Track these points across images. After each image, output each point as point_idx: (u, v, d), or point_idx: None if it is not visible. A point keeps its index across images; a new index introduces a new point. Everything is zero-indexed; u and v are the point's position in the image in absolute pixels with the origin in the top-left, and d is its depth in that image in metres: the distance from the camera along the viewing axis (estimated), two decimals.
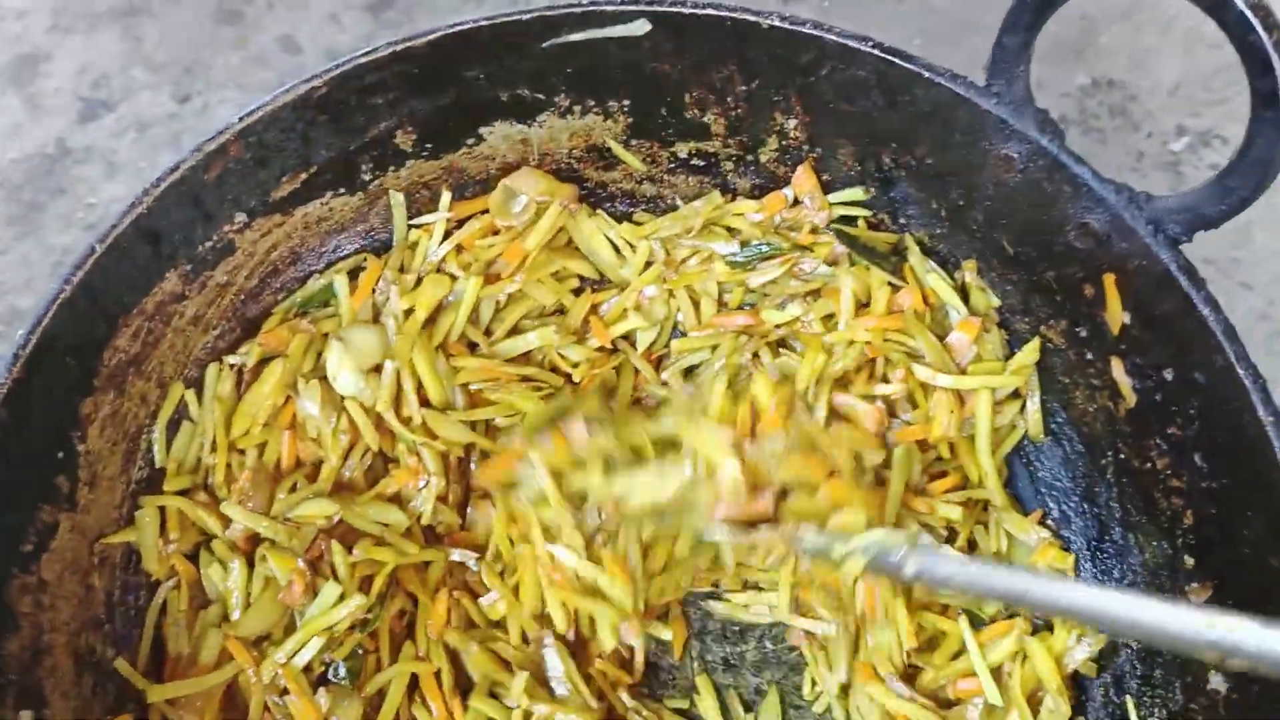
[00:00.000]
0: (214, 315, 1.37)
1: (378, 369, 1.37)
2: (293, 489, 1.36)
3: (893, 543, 1.14)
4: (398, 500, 1.39)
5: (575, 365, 1.46)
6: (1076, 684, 1.35)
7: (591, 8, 1.27)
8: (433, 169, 1.43)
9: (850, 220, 1.44)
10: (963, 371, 1.39)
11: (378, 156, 1.39)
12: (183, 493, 1.35)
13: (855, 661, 1.36)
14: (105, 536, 1.30)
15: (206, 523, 1.33)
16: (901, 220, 1.43)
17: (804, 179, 1.43)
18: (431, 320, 1.41)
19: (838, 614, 1.37)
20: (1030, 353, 1.37)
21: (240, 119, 1.25)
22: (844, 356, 1.40)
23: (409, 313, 1.39)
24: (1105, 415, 1.32)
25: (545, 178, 1.44)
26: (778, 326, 1.45)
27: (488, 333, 1.45)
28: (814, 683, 1.39)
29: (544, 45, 1.31)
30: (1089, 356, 1.31)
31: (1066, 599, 0.98)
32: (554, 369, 1.45)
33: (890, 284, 1.41)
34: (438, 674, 1.33)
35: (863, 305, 1.43)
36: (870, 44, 1.24)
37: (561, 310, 1.48)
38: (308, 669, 1.29)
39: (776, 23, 1.25)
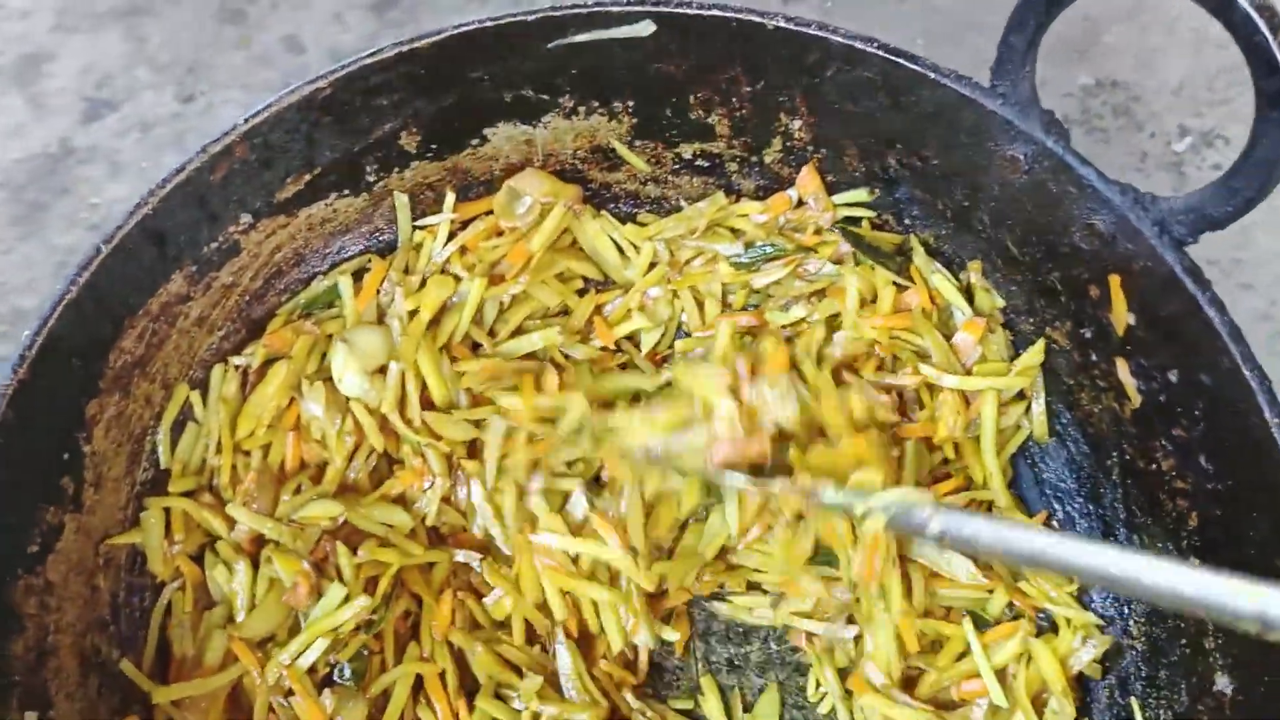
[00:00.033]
0: (219, 316, 1.37)
1: (382, 370, 1.37)
2: (297, 490, 1.36)
3: (917, 500, 1.13)
4: (402, 501, 1.39)
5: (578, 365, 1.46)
6: (1081, 685, 1.35)
7: (596, 8, 1.27)
8: (437, 170, 1.43)
9: (855, 221, 1.45)
10: (968, 372, 1.39)
11: (382, 157, 1.39)
12: (188, 494, 1.35)
13: (852, 675, 1.36)
14: (110, 538, 1.30)
15: (211, 524, 1.33)
16: (906, 221, 1.43)
17: (808, 180, 1.43)
18: (436, 321, 1.41)
19: (836, 617, 1.38)
20: (1035, 354, 1.37)
21: (245, 120, 1.25)
22: (846, 341, 1.41)
23: (413, 314, 1.40)
24: (1110, 416, 1.32)
25: (549, 179, 1.44)
26: (783, 327, 1.45)
27: (492, 334, 1.45)
28: (818, 684, 1.39)
29: (549, 46, 1.31)
30: (1094, 357, 1.31)
31: (1096, 562, 0.95)
32: (558, 368, 1.45)
33: (895, 284, 1.41)
34: (442, 675, 1.33)
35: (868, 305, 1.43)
36: (875, 45, 1.24)
37: (566, 311, 1.48)
38: (312, 670, 1.29)
39: (781, 24, 1.25)
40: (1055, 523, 1.40)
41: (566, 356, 1.45)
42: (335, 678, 1.30)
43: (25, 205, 1.85)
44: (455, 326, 1.41)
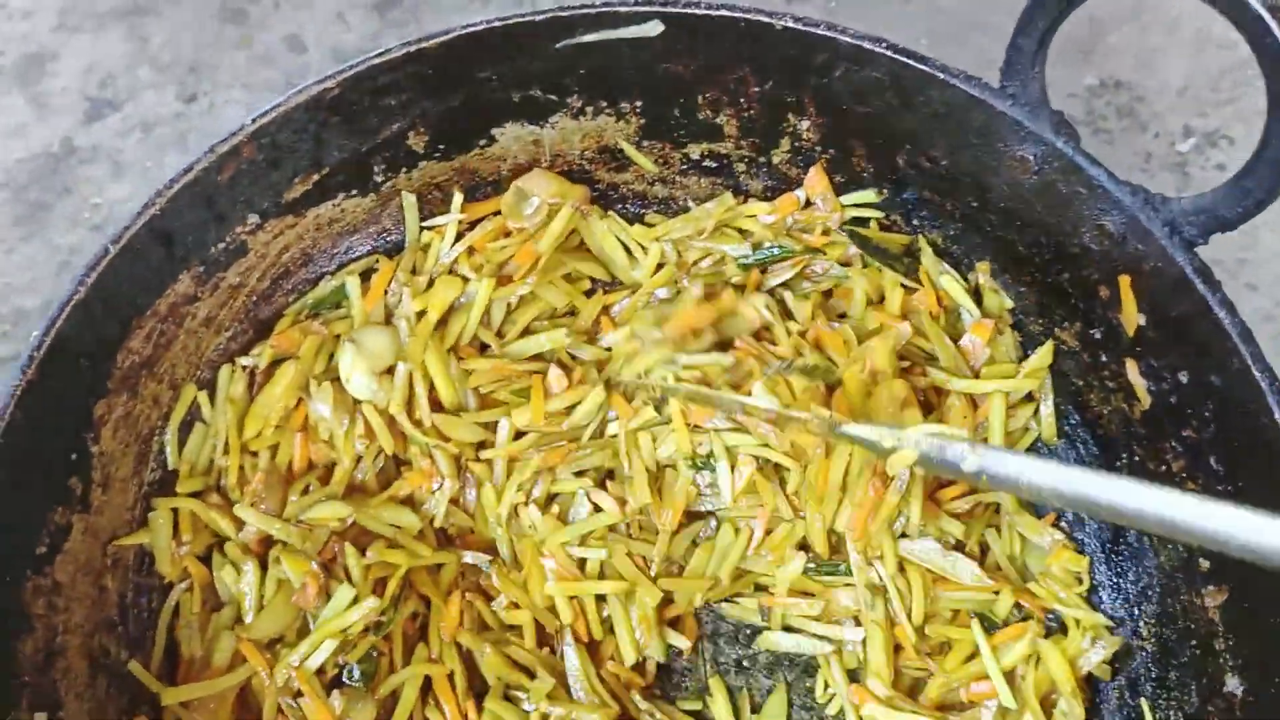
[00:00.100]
0: (226, 317, 1.37)
1: (390, 371, 1.37)
2: (305, 491, 1.35)
3: (951, 436, 1.12)
4: (410, 503, 1.39)
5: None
6: (1091, 686, 1.35)
7: (605, 9, 1.27)
8: (444, 170, 1.43)
9: (863, 222, 1.44)
10: (976, 374, 1.39)
11: (390, 158, 1.39)
12: (195, 495, 1.35)
13: (854, 686, 1.36)
14: (118, 538, 1.30)
15: (219, 525, 1.33)
16: (914, 222, 1.43)
17: (816, 180, 1.43)
18: (443, 322, 1.40)
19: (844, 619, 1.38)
20: (1044, 356, 1.37)
21: (253, 120, 1.25)
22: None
23: (421, 314, 1.39)
24: (1120, 418, 1.32)
25: (557, 179, 1.44)
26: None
27: (500, 334, 1.44)
28: (826, 685, 1.39)
29: (557, 46, 1.30)
30: (1103, 359, 1.31)
31: (1146, 504, 0.94)
32: (565, 369, 1.45)
33: (903, 285, 1.41)
34: (451, 676, 1.33)
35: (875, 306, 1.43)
36: (884, 45, 1.24)
37: (573, 312, 1.48)
38: (321, 671, 1.28)
39: (790, 24, 1.25)
40: (1064, 523, 1.40)
41: (573, 357, 1.45)
42: (344, 679, 1.30)
43: (28, 205, 1.85)
44: (463, 327, 1.40)
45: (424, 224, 1.45)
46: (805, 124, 1.38)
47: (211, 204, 1.27)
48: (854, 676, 1.37)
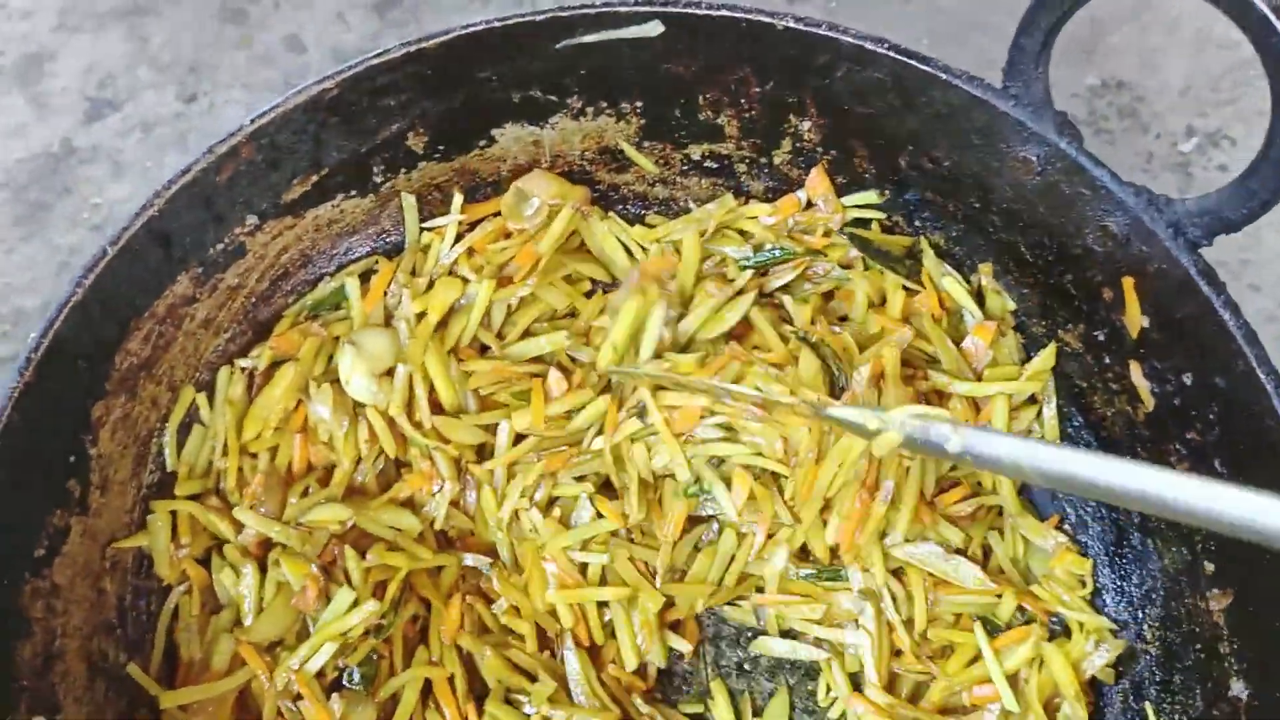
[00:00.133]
0: (225, 318, 1.36)
1: (390, 373, 1.36)
2: (305, 493, 1.35)
3: (935, 417, 1.10)
4: (410, 505, 1.39)
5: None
6: (1095, 690, 1.34)
7: (605, 9, 1.26)
8: (444, 171, 1.42)
9: (864, 223, 1.44)
10: (978, 376, 1.38)
11: (389, 158, 1.38)
12: (194, 497, 1.34)
13: (854, 695, 1.35)
14: (117, 541, 1.29)
15: (218, 527, 1.32)
16: (916, 223, 1.42)
17: (818, 181, 1.42)
18: (443, 324, 1.40)
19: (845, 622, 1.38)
20: (1047, 358, 1.36)
21: (252, 120, 1.24)
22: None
23: (421, 316, 1.39)
24: (1124, 420, 1.31)
25: (557, 180, 1.44)
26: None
27: (500, 336, 1.43)
28: (828, 688, 1.38)
29: (557, 46, 1.30)
30: (1107, 360, 1.30)
31: (1129, 482, 0.92)
32: (565, 371, 1.44)
33: (905, 288, 1.40)
34: (451, 679, 1.32)
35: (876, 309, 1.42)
36: (886, 45, 1.23)
37: (574, 313, 1.47)
38: (321, 674, 1.28)
39: (791, 24, 1.24)
40: (1068, 526, 1.40)
41: (573, 360, 1.44)
42: (344, 682, 1.30)
43: (27, 205, 1.84)
44: (463, 329, 1.40)
45: (424, 225, 1.45)
46: (807, 125, 1.37)
47: (210, 205, 1.26)
48: (856, 679, 1.36)
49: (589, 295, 1.48)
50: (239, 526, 1.33)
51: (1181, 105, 1.87)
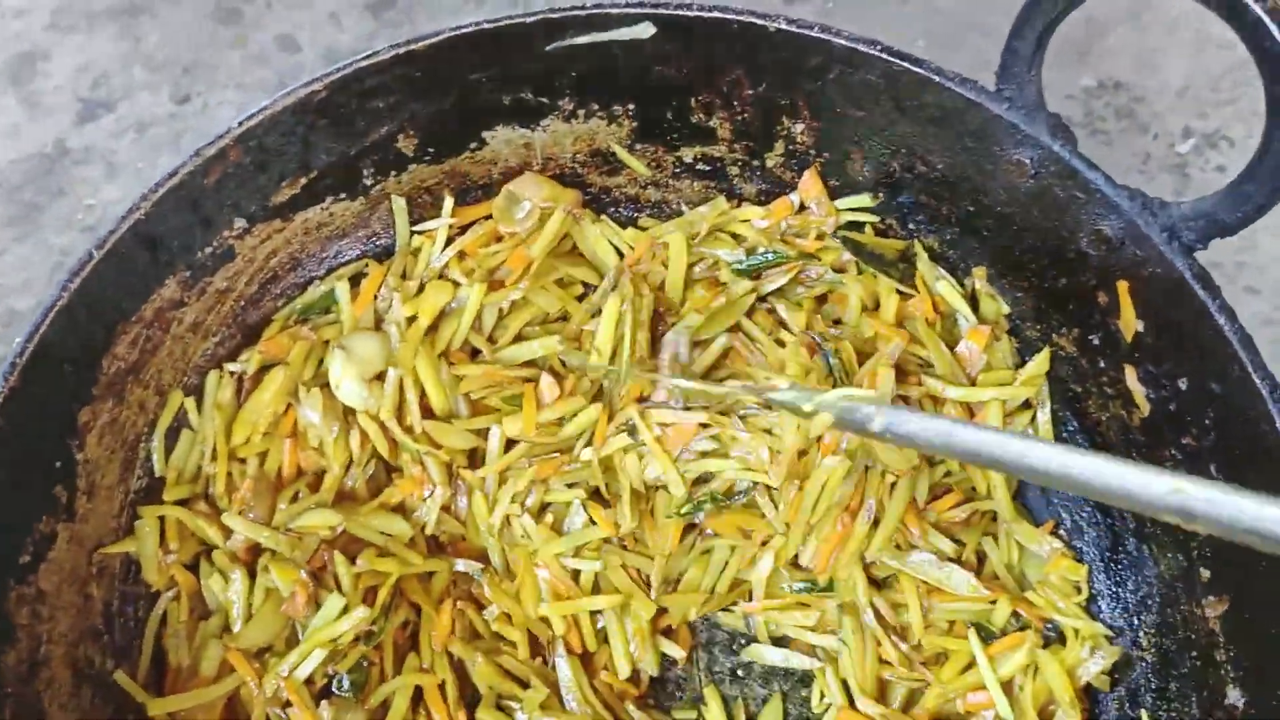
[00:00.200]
0: (214, 322, 1.35)
1: (380, 377, 1.35)
2: (294, 499, 1.34)
3: (861, 398, 1.14)
4: (401, 510, 1.38)
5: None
6: (1090, 697, 1.34)
7: (596, 10, 1.25)
8: (435, 174, 1.41)
9: (858, 226, 1.43)
10: (972, 381, 1.38)
11: (379, 161, 1.37)
12: (182, 502, 1.34)
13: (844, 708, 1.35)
14: (104, 547, 1.28)
15: (207, 533, 1.32)
16: (910, 226, 1.41)
17: (810, 184, 1.41)
18: (434, 327, 1.39)
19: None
20: (1041, 363, 1.36)
21: (239, 123, 1.23)
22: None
23: (411, 320, 1.38)
24: (1118, 425, 1.30)
25: (549, 183, 1.43)
26: None
27: (491, 340, 1.42)
28: (822, 694, 1.37)
29: (548, 48, 1.29)
30: (1102, 365, 1.29)
31: (1027, 457, 0.96)
32: (557, 375, 1.43)
33: (899, 291, 1.39)
34: (442, 686, 1.32)
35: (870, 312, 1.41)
36: (879, 48, 1.22)
37: (566, 317, 1.46)
38: (310, 681, 1.27)
39: (783, 26, 1.23)
40: (1063, 531, 1.39)
41: (564, 364, 1.43)
42: (334, 689, 1.29)
43: (21, 206, 1.84)
44: (454, 333, 1.39)
45: (414, 228, 1.44)
46: (799, 127, 1.37)
47: (197, 208, 1.25)
48: (850, 686, 1.36)
49: (581, 299, 1.47)
50: (228, 532, 1.32)
51: (1180, 106, 1.86)
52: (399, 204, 1.42)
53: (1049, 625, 1.35)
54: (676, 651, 1.38)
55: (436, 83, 1.30)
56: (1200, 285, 1.12)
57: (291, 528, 1.31)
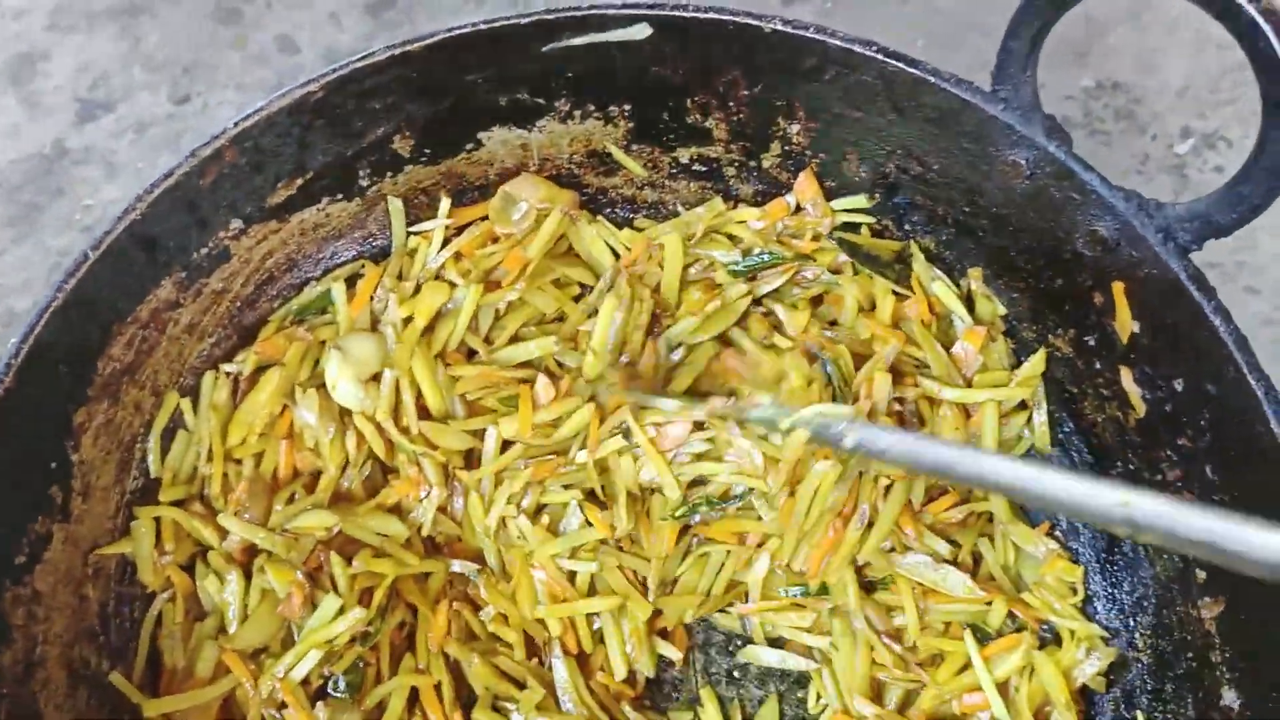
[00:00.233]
0: (210, 323, 1.35)
1: (376, 378, 1.35)
2: (290, 499, 1.34)
3: (835, 415, 1.18)
4: (397, 511, 1.38)
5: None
6: (1086, 698, 1.34)
7: (592, 12, 1.25)
8: (431, 175, 1.41)
9: (854, 227, 1.42)
10: (968, 382, 1.37)
11: (375, 162, 1.37)
12: (178, 503, 1.34)
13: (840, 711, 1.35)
14: (99, 548, 1.28)
15: (203, 534, 1.32)
16: (906, 227, 1.41)
17: (806, 185, 1.41)
18: (430, 328, 1.38)
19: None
20: (1037, 364, 1.35)
21: (235, 124, 1.23)
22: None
23: (408, 321, 1.37)
24: (1114, 426, 1.30)
25: (545, 184, 1.42)
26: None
27: (488, 341, 1.42)
28: (818, 696, 1.37)
29: (544, 49, 1.29)
30: (1097, 366, 1.29)
31: (993, 474, 0.99)
32: (553, 376, 1.43)
33: (895, 292, 1.39)
34: (438, 687, 1.31)
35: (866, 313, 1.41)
36: (874, 49, 1.22)
37: (562, 318, 1.46)
38: (306, 682, 1.27)
39: (779, 26, 1.23)
40: (1059, 532, 1.39)
41: (560, 365, 1.43)
42: (329, 690, 1.29)
43: (20, 206, 1.84)
44: (450, 334, 1.38)
45: (410, 229, 1.44)
46: (795, 128, 1.36)
47: (193, 208, 1.26)
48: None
49: (578, 300, 1.46)
50: (223, 533, 1.32)
51: (1179, 106, 1.86)
52: (395, 205, 1.42)
53: (1045, 626, 1.35)
54: (673, 653, 1.38)
55: (433, 84, 1.30)
56: (1195, 286, 1.12)
57: (287, 529, 1.31)
